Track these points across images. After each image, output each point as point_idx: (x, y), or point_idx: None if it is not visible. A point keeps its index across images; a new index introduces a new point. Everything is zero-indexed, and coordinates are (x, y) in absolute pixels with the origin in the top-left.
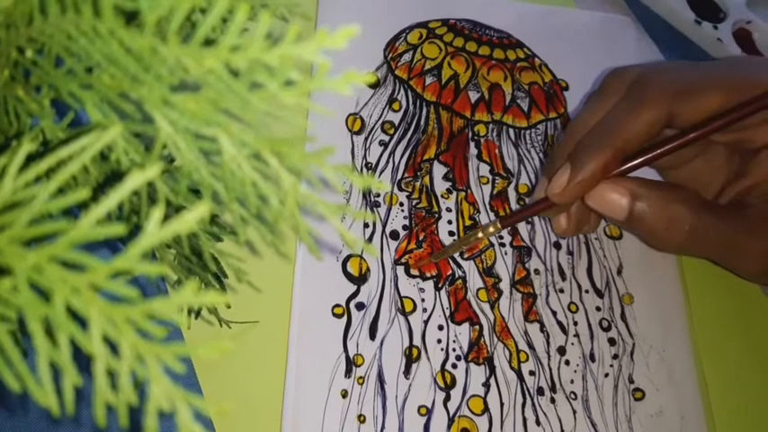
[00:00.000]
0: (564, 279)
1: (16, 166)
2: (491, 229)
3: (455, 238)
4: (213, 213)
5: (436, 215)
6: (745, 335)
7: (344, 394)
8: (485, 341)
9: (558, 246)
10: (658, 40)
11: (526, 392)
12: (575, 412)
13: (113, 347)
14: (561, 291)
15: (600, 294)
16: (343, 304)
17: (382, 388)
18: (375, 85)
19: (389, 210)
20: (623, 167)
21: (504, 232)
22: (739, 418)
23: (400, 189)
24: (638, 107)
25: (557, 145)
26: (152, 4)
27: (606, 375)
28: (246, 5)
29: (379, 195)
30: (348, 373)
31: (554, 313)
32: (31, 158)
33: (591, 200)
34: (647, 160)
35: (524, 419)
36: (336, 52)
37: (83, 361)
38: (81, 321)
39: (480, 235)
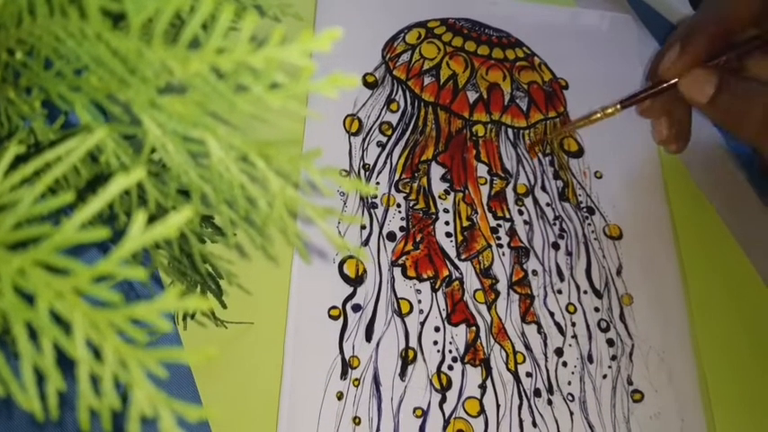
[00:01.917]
0: (562, 280)
1: (2, 170)
2: (610, 110)
3: (452, 239)
4: (206, 215)
5: (433, 216)
6: (748, 336)
7: (340, 396)
8: (481, 343)
9: (556, 246)
10: (659, 37)
11: (523, 394)
12: (572, 414)
13: (97, 352)
14: (559, 292)
15: (599, 295)
16: (340, 306)
17: (378, 390)
18: (373, 86)
19: (386, 211)
20: (720, 58)
21: (503, 233)
22: (741, 421)
23: (398, 190)
24: None
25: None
26: (137, 7)
27: (604, 377)
28: (231, 7)
29: (376, 197)
30: (344, 374)
31: (552, 314)
32: (22, 159)
33: (682, 83)
34: (743, 49)
35: (521, 421)
36: (333, 53)
37: (66, 365)
38: (65, 325)
39: (599, 115)
